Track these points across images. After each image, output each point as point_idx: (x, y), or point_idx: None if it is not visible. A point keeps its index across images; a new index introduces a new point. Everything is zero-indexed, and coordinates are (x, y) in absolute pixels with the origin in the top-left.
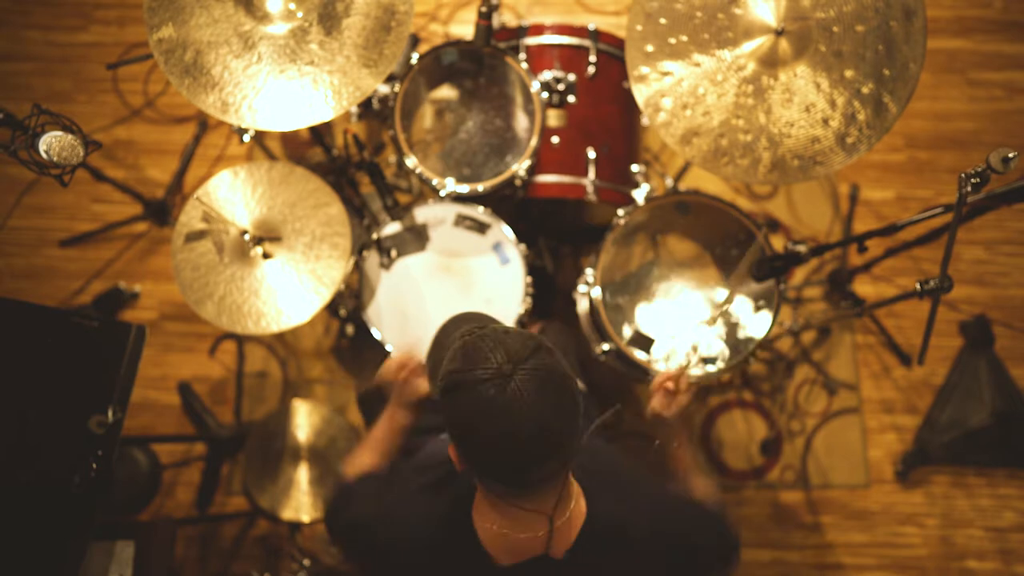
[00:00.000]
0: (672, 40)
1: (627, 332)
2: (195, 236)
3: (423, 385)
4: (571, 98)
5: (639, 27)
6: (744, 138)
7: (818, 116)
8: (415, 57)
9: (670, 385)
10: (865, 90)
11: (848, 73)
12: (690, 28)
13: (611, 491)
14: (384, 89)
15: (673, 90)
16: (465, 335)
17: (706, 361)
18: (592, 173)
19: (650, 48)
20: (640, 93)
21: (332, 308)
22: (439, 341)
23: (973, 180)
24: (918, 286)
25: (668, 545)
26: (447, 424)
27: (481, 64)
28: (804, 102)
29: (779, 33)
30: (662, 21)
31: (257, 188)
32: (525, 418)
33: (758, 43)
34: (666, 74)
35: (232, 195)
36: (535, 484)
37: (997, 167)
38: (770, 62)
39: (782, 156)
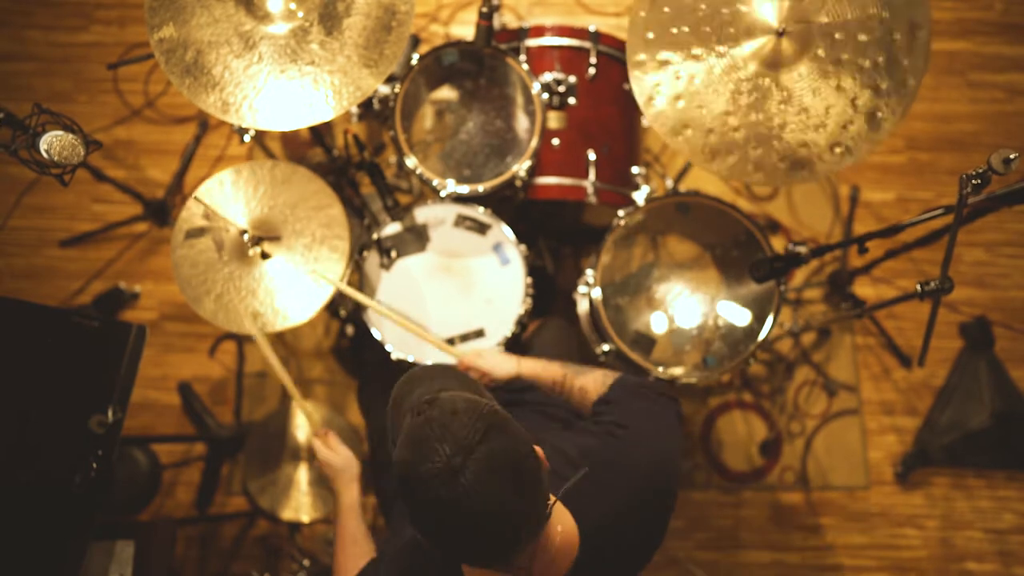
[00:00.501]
0: (674, 30)
1: (627, 333)
2: (195, 233)
3: (340, 453)
4: (571, 100)
5: (643, 13)
6: (734, 135)
7: (811, 121)
8: (415, 58)
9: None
10: (861, 101)
11: (846, 82)
12: (693, 20)
13: (594, 496)
14: (384, 89)
15: (669, 80)
16: (414, 413)
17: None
18: (592, 175)
19: (651, 35)
20: (637, 80)
21: (332, 309)
22: (395, 400)
23: (974, 181)
24: (918, 287)
25: (654, 508)
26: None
27: (482, 65)
28: (799, 106)
29: (780, 34)
30: (666, 10)
31: (259, 187)
32: (480, 511)
33: (759, 42)
34: (664, 63)
35: (235, 193)
36: (512, 553)
37: (998, 168)
38: (769, 63)
39: (769, 157)
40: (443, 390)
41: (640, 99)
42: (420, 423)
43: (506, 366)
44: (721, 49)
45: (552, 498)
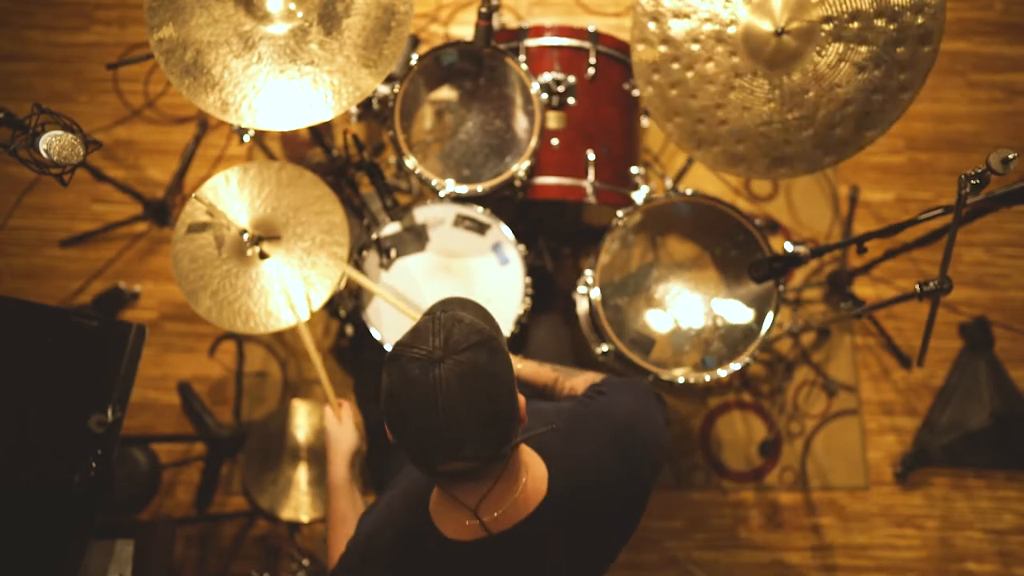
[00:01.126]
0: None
1: (626, 333)
2: (198, 227)
3: (345, 426)
4: (571, 100)
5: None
6: (720, 128)
7: (796, 123)
8: (415, 58)
9: None
10: (850, 109)
11: (839, 90)
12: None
13: (568, 446)
14: (384, 90)
15: (665, 66)
16: (430, 313)
17: None
18: (592, 175)
19: (652, 26)
20: (637, 56)
21: (331, 309)
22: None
23: (973, 181)
24: (917, 287)
25: (628, 466)
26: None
27: (481, 65)
28: (788, 105)
29: (779, 34)
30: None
31: (265, 187)
32: (435, 408)
33: (758, 38)
34: (665, 41)
35: (240, 192)
36: (448, 476)
37: (997, 168)
38: (764, 60)
39: (751, 152)
40: (466, 313)
41: (638, 80)
42: (429, 319)
43: None
44: (722, 37)
45: (516, 443)
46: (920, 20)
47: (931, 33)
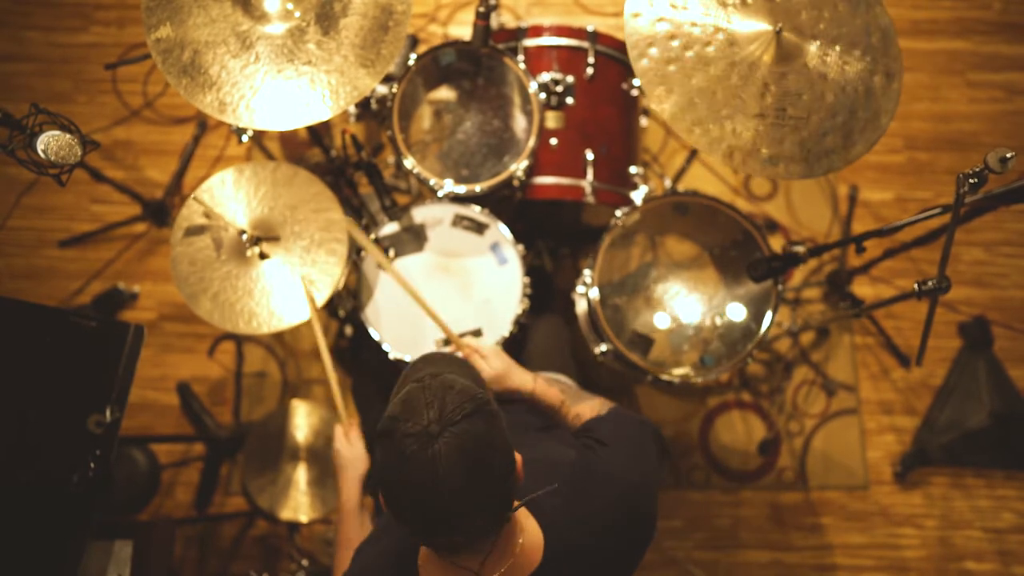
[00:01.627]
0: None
1: (625, 333)
2: (195, 231)
3: (355, 447)
4: (569, 100)
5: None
6: (716, 111)
7: (791, 123)
8: (413, 58)
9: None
10: (839, 120)
11: (829, 97)
12: None
13: (565, 511)
14: (382, 90)
15: (663, 42)
16: (416, 381)
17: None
18: (590, 175)
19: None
20: (631, 30)
21: (331, 309)
22: (405, 374)
23: (971, 180)
24: (916, 287)
25: (625, 531)
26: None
27: (479, 65)
28: (781, 103)
29: (778, 32)
30: None
31: (261, 188)
32: (438, 483)
33: (758, 30)
34: (660, 20)
35: (236, 193)
36: (450, 547)
37: (995, 167)
38: (763, 53)
39: (740, 147)
40: (453, 376)
41: (632, 53)
42: (418, 388)
43: (514, 380)
44: (721, 23)
45: (514, 505)
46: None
47: (895, 74)
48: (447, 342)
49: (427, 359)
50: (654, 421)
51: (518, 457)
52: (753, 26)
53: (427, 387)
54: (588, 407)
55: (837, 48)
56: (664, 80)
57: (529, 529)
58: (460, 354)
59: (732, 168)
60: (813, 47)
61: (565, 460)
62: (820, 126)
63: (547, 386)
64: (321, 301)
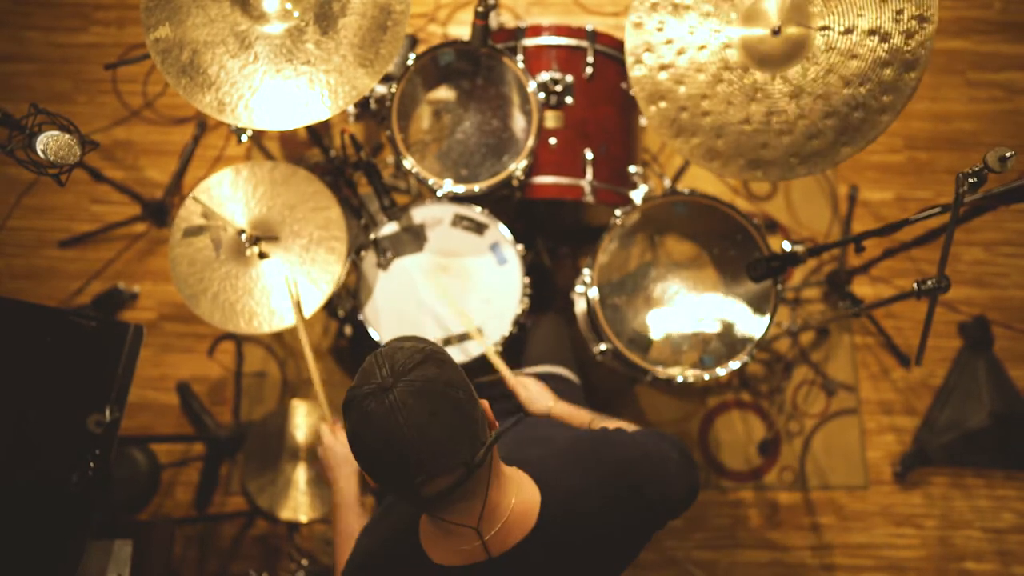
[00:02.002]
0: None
1: (624, 332)
2: (193, 231)
3: (346, 444)
4: (569, 99)
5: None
6: (703, 120)
7: (777, 127)
8: (412, 58)
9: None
10: (831, 122)
11: (822, 101)
12: None
13: (564, 473)
14: (381, 89)
15: (659, 48)
16: (371, 354)
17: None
18: (590, 174)
19: None
20: (630, 38)
21: (330, 309)
22: None
23: (970, 180)
24: (915, 286)
25: (624, 507)
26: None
27: (478, 65)
28: (771, 107)
29: (775, 32)
30: None
31: (258, 188)
32: (400, 429)
33: (753, 34)
34: (660, 29)
35: (233, 193)
36: (437, 499)
37: (994, 167)
38: (758, 59)
39: (728, 148)
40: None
41: (628, 57)
42: (370, 356)
43: (541, 403)
44: (717, 27)
45: (491, 446)
46: (910, 45)
47: (918, 61)
48: (447, 341)
49: (395, 339)
50: (654, 421)
51: (484, 403)
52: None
53: (378, 354)
54: (614, 422)
55: (848, 37)
56: (655, 87)
57: (525, 487)
58: (508, 383)
59: (713, 173)
60: (819, 37)
61: (574, 434)
62: (809, 129)
63: (572, 408)
64: (319, 302)
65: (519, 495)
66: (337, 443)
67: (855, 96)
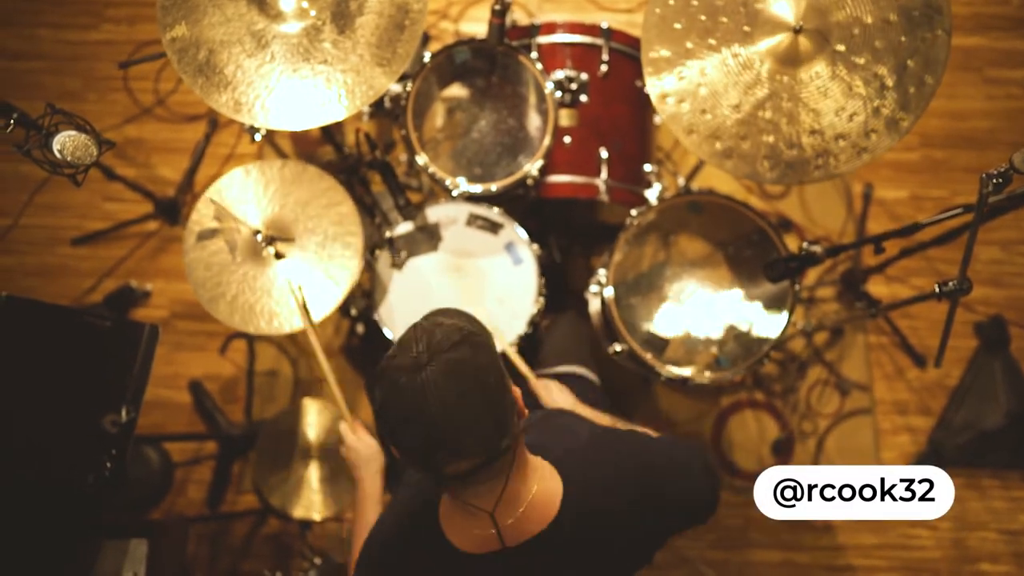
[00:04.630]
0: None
1: (640, 332)
2: (207, 235)
3: (369, 443)
4: (583, 97)
5: (658, 10)
6: (698, 89)
7: (763, 123)
8: (427, 55)
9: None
10: (815, 140)
11: (809, 117)
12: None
13: (588, 467)
14: (396, 88)
15: (693, 95)
16: (411, 327)
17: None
18: (604, 173)
19: (678, 25)
20: (661, 107)
21: (343, 308)
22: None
23: (995, 181)
24: (936, 288)
25: (644, 508)
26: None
27: (494, 63)
28: (793, 110)
29: (797, 31)
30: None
31: (269, 186)
32: (428, 407)
33: (774, 40)
34: (681, 78)
35: (244, 194)
36: (458, 479)
37: (1021, 168)
38: (771, 49)
39: (710, 127)
40: (446, 318)
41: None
42: (410, 329)
43: (562, 403)
44: (736, 49)
45: (518, 433)
46: (912, 90)
47: (910, 103)
48: None
49: (431, 312)
50: (667, 421)
51: (516, 389)
52: (776, 17)
53: (418, 326)
54: (637, 429)
55: (858, 61)
56: (663, 28)
57: (547, 477)
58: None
59: (688, 147)
60: (823, 62)
61: (595, 428)
62: (789, 138)
63: (593, 412)
64: (338, 299)
65: (541, 484)
66: (360, 443)
67: (842, 126)
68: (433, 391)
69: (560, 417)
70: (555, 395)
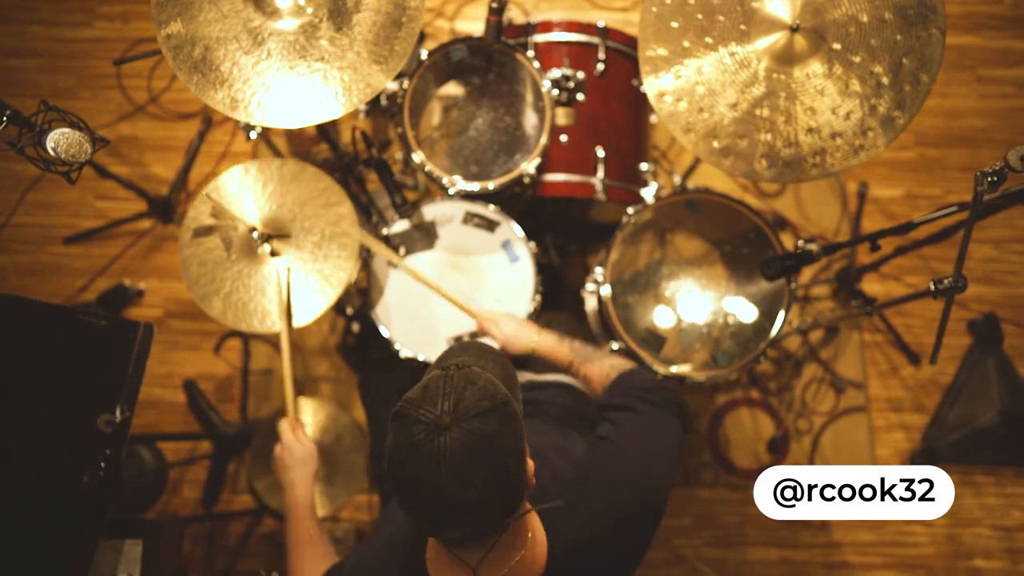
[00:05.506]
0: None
1: (636, 330)
2: (203, 231)
3: (306, 445)
4: (580, 96)
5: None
6: (695, 88)
7: (760, 122)
8: (424, 53)
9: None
10: (809, 139)
11: (804, 117)
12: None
13: (572, 515)
14: (392, 86)
15: (691, 94)
16: (442, 368)
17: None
18: (601, 172)
19: (675, 24)
20: (658, 106)
21: (338, 306)
22: (439, 358)
23: (990, 179)
24: (932, 286)
25: (628, 556)
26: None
27: (491, 61)
28: (790, 109)
29: (794, 29)
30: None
31: (268, 185)
32: (440, 476)
33: (771, 38)
34: (678, 76)
35: (242, 191)
36: (451, 539)
37: (1015, 166)
38: (768, 47)
39: (708, 125)
40: (484, 369)
41: (656, 104)
42: (440, 377)
43: (523, 341)
44: (733, 48)
45: (524, 509)
46: (908, 88)
47: (906, 101)
48: (459, 340)
49: (465, 347)
50: None
51: (530, 463)
52: (772, 15)
53: (449, 377)
54: (597, 371)
55: (854, 59)
56: (660, 25)
57: (534, 540)
58: (475, 326)
59: (686, 146)
60: (819, 61)
61: (575, 457)
62: (786, 138)
63: (555, 345)
64: (332, 298)
65: (528, 551)
66: (297, 443)
67: (837, 126)
68: (449, 462)
69: (543, 437)
70: (509, 331)
